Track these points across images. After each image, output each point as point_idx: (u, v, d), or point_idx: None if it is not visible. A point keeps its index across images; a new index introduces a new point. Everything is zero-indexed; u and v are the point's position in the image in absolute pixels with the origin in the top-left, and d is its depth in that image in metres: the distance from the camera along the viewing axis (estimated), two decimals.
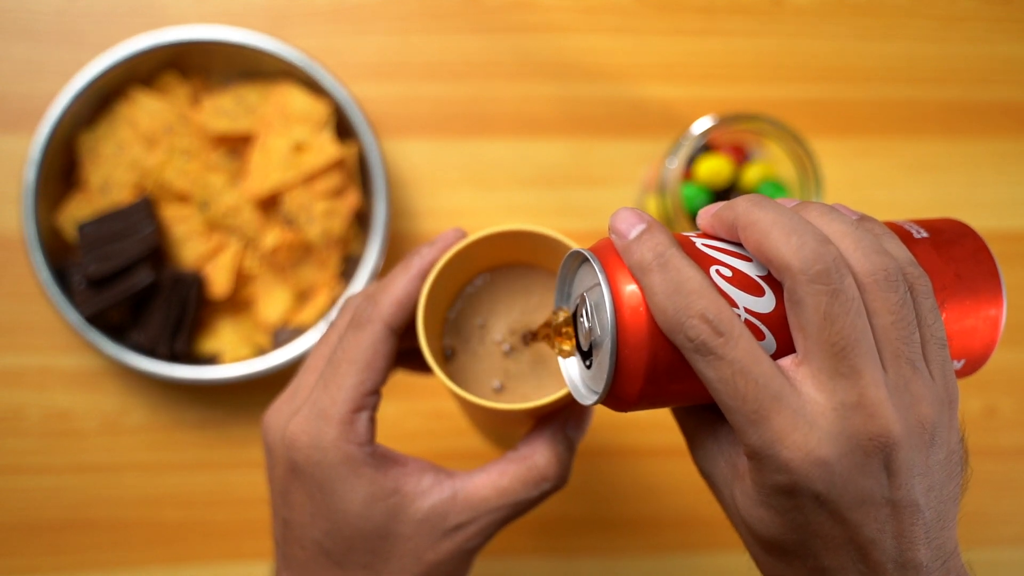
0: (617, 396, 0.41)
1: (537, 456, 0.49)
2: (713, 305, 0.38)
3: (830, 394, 0.37)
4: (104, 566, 0.76)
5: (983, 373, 0.79)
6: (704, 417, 0.43)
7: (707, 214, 0.42)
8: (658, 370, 0.40)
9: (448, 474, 0.49)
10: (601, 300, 0.40)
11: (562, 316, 0.44)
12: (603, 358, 0.40)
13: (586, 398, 0.43)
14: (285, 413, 0.49)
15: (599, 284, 0.40)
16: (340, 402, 0.47)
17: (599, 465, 0.77)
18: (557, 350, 0.44)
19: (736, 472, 0.41)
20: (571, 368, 0.44)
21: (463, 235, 0.50)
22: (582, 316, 0.42)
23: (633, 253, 0.40)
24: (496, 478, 0.49)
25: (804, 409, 0.37)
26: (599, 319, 0.41)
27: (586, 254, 0.41)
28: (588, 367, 0.43)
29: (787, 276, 0.38)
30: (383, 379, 0.49)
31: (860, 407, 0.37)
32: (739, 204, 0.40)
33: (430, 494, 0.48)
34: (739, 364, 0.38)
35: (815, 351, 0.38)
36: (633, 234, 0.40)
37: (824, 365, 0.38)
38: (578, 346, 0.44)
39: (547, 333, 0.45)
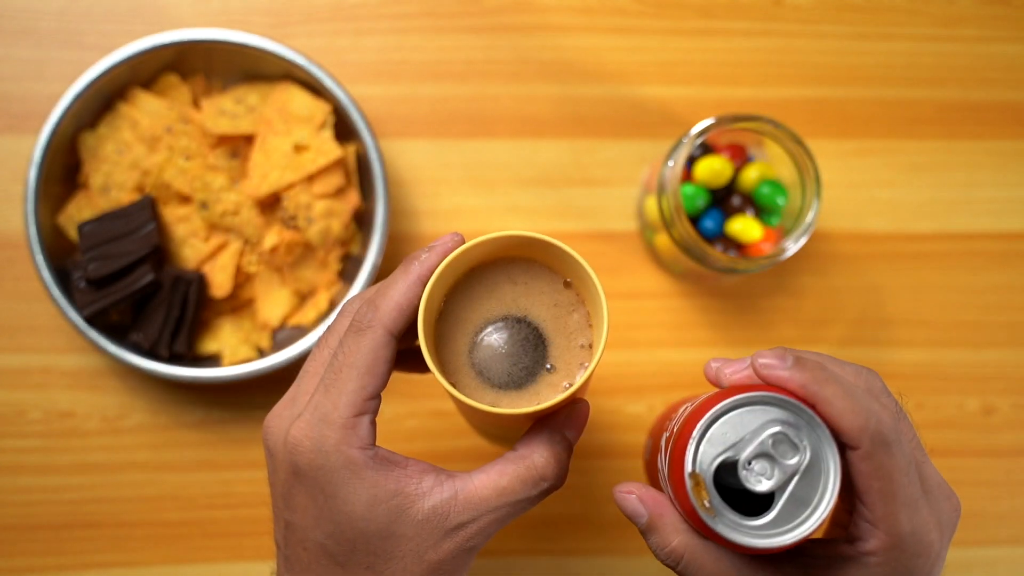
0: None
1: (536, 456, 0.50)
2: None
3: None
4: (104, 566, 0.76)
5: (982, 372, 0.79)
6: None
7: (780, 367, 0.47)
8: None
9: (448, 475, 0.49)
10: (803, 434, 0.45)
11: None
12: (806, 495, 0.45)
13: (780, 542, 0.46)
14: (286, 418, 0.49)
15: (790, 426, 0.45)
16: (342, 407, 0.48)
17: (598, 466, 0.77)
18: (702, 506, 0.46)
19: None
20: (727, 526, 0.46)
21: (461, 240, 0.50)
22: (748, 466, 0.46)
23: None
24: (496, 478, 0.49)
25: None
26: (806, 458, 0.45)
27: (791, 403, 0.46)
28: (756, 514, 0.46)
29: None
30: (383, 383, 0.49)
31: None
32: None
33: (431, 495, 0.48)
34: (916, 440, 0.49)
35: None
36: (790, 362, 0.46)
37: None
38: (733, 497, 0.46)
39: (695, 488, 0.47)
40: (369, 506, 0.47)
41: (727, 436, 0.46)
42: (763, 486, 0.45)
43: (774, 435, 0.45)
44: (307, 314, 0.75)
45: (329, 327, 0.52)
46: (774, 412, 0.46)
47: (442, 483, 0.49)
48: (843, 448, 0.46)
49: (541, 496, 0.50)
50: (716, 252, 0.70)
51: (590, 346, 0.52)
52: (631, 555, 0.77)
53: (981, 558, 0.78)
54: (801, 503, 0.45)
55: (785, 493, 0.45)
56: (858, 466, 0.45)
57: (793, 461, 0.45)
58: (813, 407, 0.45)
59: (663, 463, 0.51)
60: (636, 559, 0.76)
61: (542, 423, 0.51)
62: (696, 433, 0.46)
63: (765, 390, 0.46)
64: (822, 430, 0.45)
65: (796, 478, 0.45)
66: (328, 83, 0.73)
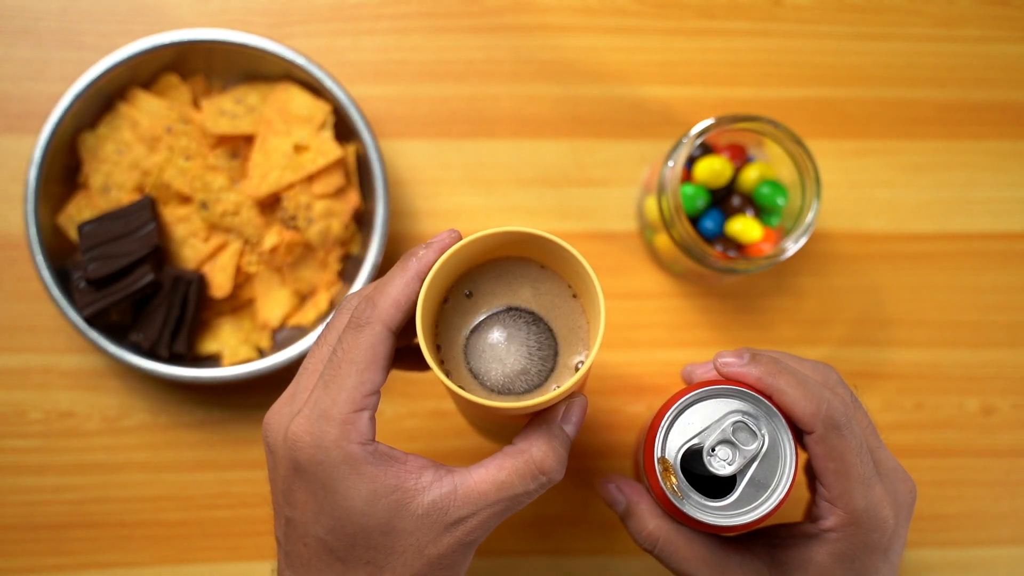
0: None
1: (534, 450, 0.50)
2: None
3: None
4: (104, 566, 0.76)
5: (982, 372, 0.79)
6: None
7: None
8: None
9: (448, 470, 0.50)
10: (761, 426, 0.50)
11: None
12: (765, 479, 0.50)
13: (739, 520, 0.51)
14: (286, 414, 0.49)
15: (749, 415, 0.50)
16: (341, 402, 0.48)
17: (597, 465, 0.77)
18: (670, 488, 0.50)
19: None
20: (693, 507, 0.51)
21: (458, 237, 0.50)
22: (713, 451, 0.50)
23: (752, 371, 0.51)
24: (495, 472, 0.49)
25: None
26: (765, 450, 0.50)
27: (764, 401, 0.50)
28: (720, 496, 0.51)
29: None
30: (383, 379, 0.49)
31: None
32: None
33: (431, 490, 0.48)
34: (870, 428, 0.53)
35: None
36: (746, 358, 0.51)
37: None
38: (699, 480, 0.51)
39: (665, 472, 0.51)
40: (369, 501, 0.47)
41: (692, 425, 0.51)
42: (726, 470, 0.50)
43: (735, 423, 0.50)
44: (307, 314, 0.75)
45: (328, 324, 0.52)
46: (734, 403, 0.50)
47: (441, 478, 0.49)
48: (802, 435, 0.51)
49: (540, 490, 0.50)
50: (716, 252, 0.70)
51: (587, 342, 0.52)
52: (630, 555, 0.76)
53: (981, 558, 0.78)
54: (761, 486, 0.50)
55: (746, 476, 0.50)
56: (814, 449, 0.50)
57: (752, 447, 0.50)
58: (769, 398, 0.50)
59: (640, 456, 0.55)
60: (635, 559, 0.76)
61: (540, 418, 0.51)
62: (664, 423, 0.51)
63: (726, 384, 0.51)
64: (778, 419, 0.50)
65: (756, 463, 0.50)
66: (328, 83, 0.73)
